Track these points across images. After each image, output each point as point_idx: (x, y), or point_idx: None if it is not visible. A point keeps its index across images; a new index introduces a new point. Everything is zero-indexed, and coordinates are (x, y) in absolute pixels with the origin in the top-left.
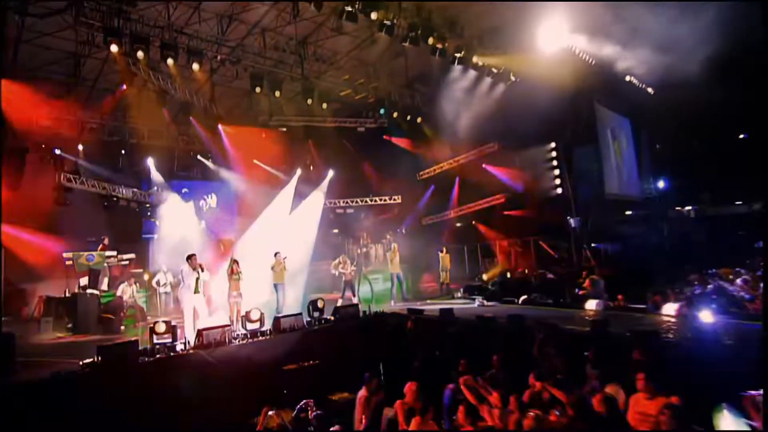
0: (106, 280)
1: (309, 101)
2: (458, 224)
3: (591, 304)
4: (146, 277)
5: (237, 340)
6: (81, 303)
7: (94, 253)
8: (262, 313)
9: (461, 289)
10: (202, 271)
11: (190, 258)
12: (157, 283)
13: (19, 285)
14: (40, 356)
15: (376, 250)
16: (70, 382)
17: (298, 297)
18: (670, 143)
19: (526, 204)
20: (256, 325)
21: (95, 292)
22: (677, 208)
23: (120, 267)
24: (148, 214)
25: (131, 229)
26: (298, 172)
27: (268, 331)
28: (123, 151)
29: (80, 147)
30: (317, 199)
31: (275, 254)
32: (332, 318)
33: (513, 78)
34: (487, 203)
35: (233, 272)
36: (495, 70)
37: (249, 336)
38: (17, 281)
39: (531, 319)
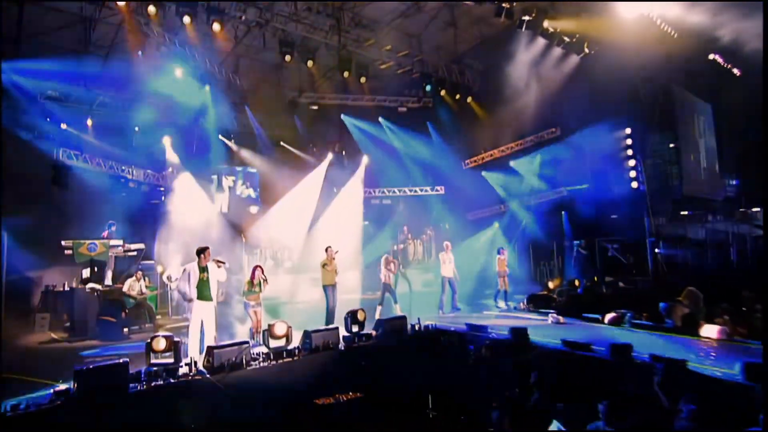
0: (110, 274)
1: (346, 74)
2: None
3: (710, 331)
4: (159, 269)
5: (257, 362)
6: (79, 300)
7: (97, 241)
8: (289, 327)
9: (524, 300)
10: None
11: (202, 252)
12: (169, 278)
13: (24, 272)
14: (21, 372)
15: (415, 247)
16: (34, 419)
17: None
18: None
19: (591, 200)
20: (281, 342)
21: (97, 286)
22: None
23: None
24: (162, 198)
25: (142, 216)
26: (329, 156)
27: (296, 350)
28: (137, 128)
29: (89, 122)
30: (356, 188)
31: (326, 249)
32: (374, 333)
33: (587, 50)
34: (546, 197)
35: (254, 278)
36: (567, 39)
37: (272, 356)
38: (23, 268)
39: (638, 349)
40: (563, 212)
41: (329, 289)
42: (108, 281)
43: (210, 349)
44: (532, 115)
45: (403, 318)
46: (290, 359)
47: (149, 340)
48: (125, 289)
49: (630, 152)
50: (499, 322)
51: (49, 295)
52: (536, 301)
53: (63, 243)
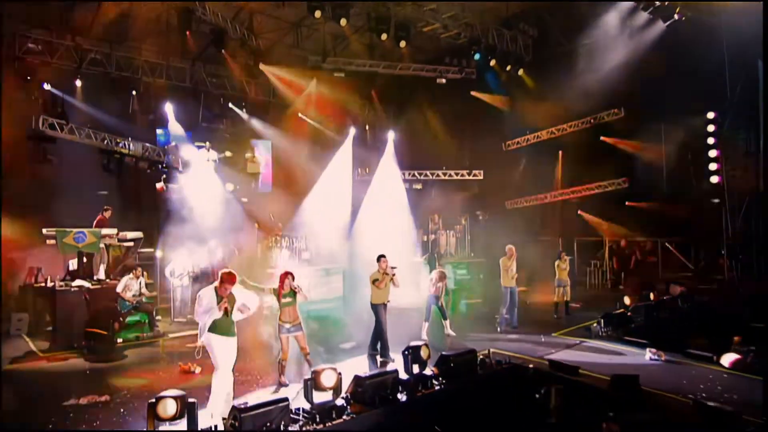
0: (102, 268)
1: (383, 36)
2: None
3: None
4: (158, 254)
5: (298, 426)
6: (63, 303)
7: (85, 230)
8: (339, 375)
9: (601, 322)
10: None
11: (225, 281)
12: (171, 273)
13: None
14: None
15: (447, 238)
16: None
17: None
18: None
19: (659, 194)
20: (326, 395)
21: (86, 284)
22: None
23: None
24: (164, 177)
25: (140, 198)
26: (352, 131)
27: (346, 405)
28: (134, 92)
29: (78, 83)
30: (391, 171)
31: (379, 259)
32: (434, 370)
33: (677, 16)
34: (602, 188)
35: (282, 288)
36: (658, 2)
37: (318, 417)
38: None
39: None
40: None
41: (380, 309)
42: (100, 275)
43: (237, 411)
44: (592, 93)
45: (473, 353)
46: (340, 420)
47: (153, 402)
48: (119, 289)
49: (711, 141)
50: (584, 357)
51: (28, 292)
52: (614, 322)
53: (45, 231)
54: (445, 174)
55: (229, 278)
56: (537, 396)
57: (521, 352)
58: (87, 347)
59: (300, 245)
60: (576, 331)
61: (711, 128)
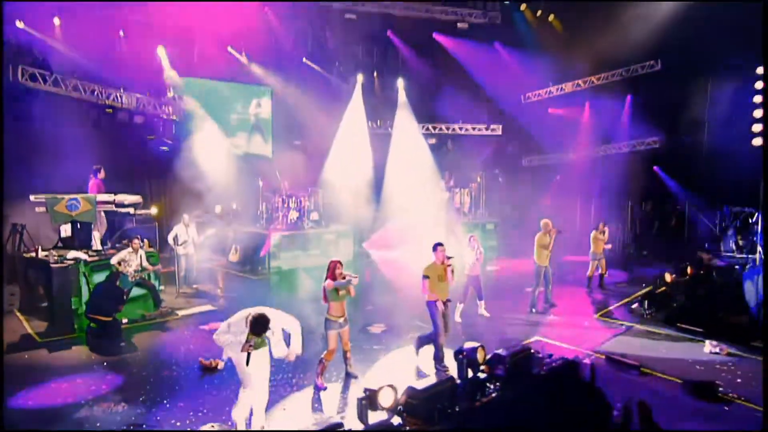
0: (97, 236)
1: None
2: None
3: None
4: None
5: None
6: (60, 280)
7: (79, 196)
8: (395, 392)
9: (641, 302)
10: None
11: (259, 328)
12: (175, 240)
13: None
14: None
15: (462, 197)
16: None
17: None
18: None
19: (695, 155)
20: (380, 414)
21: (81, 256)
22: None
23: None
24: (161, 131)
25: (136, 158)
26: (359, 79)
27: (402, 419)
28: (121, 32)
29: (56, 21)
30: (409, 125)
31: (436, 248)
32: (486, 372)
33: None
34: (631, 148)
35: (334, 278)
36: None
37: None
38: None
39: None
40: (654, 167)
41: (436, 308)
42: (96, 245)
43: None
44: (626, 42)
45: (527, 350)
46: None
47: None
48: (115, 261)
49: (759, 99)
50: (637, 349)
51: (19, 263)
52: (657, 303)
53: (32, 198)
54: (462, 128)
55: (263, 324)
56: (615, 413)
57: (569, 342)
58: (90, 333)
59: (309, 205)
60: (618, 311)
61: (759, 85)
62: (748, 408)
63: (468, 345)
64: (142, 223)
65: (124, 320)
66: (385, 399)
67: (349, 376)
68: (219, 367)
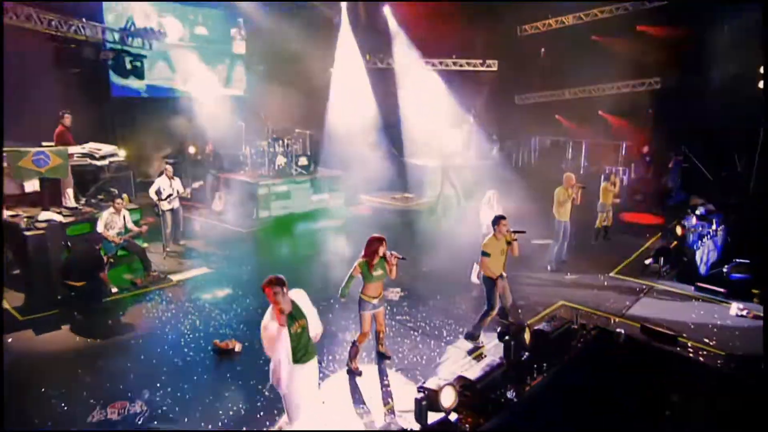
0: (70, 193)
1: None
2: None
3: None
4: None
5: None
6: (36, 248)
7: (46, 149)
8: (456, 391)
9: (660, 260)
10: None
11: (276, 284)
12: (158, 193)
13: None
14: None
15: (452, 141)
16: None
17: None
18: None
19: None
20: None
21: (56, 217)
22: None
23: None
24: (135, 69)
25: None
26: (343, 5)
27: (458, 414)
28: None
29: None
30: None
31: (497, 221)
32: (528, 341)
33: None
34: (631, 88)
35: (375, 256)
36: None
37: None
38: None
39: None
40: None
41: (494, 285)
42: (69, 202)
43: None
44: None
45: (567, 322)
46: None
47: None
48: (100, 229)
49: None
50: (663, 312)
51: None
52: (671, 259)
53: None
54: (455, 63)
55: (278, 283)
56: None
57: (593, 305)
58: (66, 310)
59: (297, 148)
60: (634, 267)
61: None
62: None
63: (512, 322)
64: (116, 173)
65: (114, 289)
66: (447, 399)
67: (381, 356)
68: (237, 349)
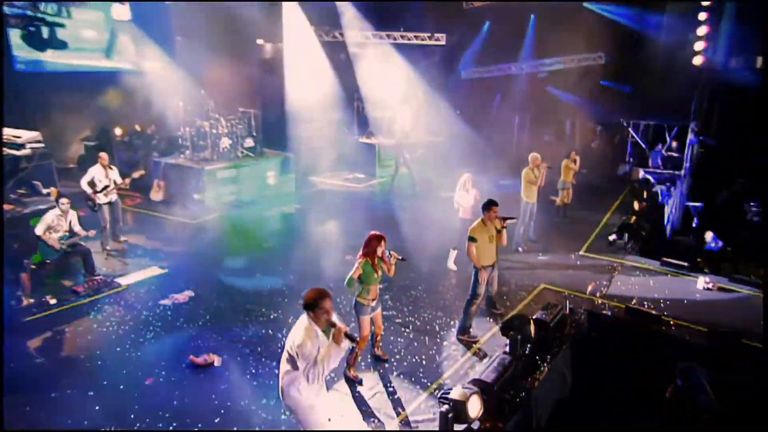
0: None
1: None
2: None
3: None
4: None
5: None
6: None
7: None
8: (482, 399)
9: (624, 236)
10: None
11: (316, 306)
12: (92, 184)
13: None
14: None
15: (402, 118)
16: None
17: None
18: None
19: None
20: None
21: None
22: None
23: None
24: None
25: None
26: None
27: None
28: None
29: None
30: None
31: (487, 206)
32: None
33: None
34: (576, 63)
35: (375, 257)
36: None
37: None
38: None
39: None
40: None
41: (481, 274)
42: None
43: None
44: None
45: (559, 308)
46: None
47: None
48: (40, 232)
49: (703, 16)
50: (638, 289)
51: None
52: (634, 234)
53: None
54: (403, 37)
55: (322, 300)
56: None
57: (574, 287)
58: None
59: (241, 129)
60: (599, 245)
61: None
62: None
63: (516, 315)
64: (38, 162)
65: (52, 300)
66: (474, 408)
67: (378, 359)
68: (216, 363)
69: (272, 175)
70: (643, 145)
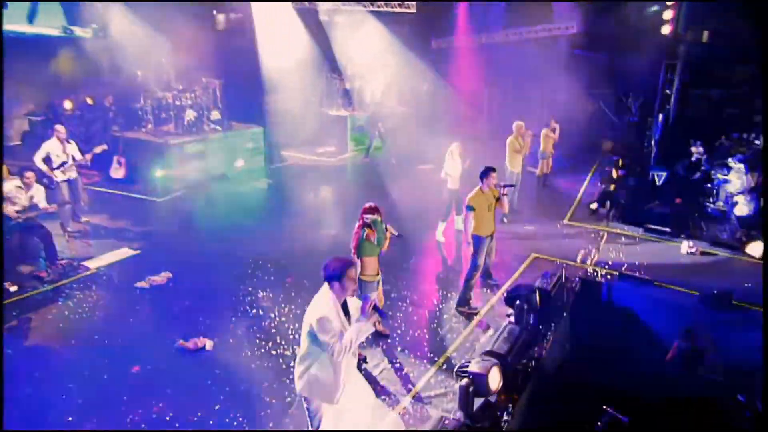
0: None
1: None
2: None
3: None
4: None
5: None
6: None
7: None
8: (501, 370)
9: (606, 204)
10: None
11: (343, 273)
12: (47, 160)
13: None
14: None
15: (372, 90)
16: None
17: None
18: None
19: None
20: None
21: None
22: None
23: None
24: None
25: None
26: None
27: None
28: None
29: None
30: None
31: (486, 173)
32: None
33: None
34: (548, 32)
35: (371, 228)
36: None
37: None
38: None
39: None
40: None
41: (482, 244)
42: None
43: None
44: None
45: (559, 276)
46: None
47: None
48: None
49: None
50: (626, 255)
51: None
52: (614, 202)
53: None
54: (373, 4)
55: (348, 267)
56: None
57: (563, 255)
58: None
59: (206, 100)
60: (581, 214)
61: None
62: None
63: (521, 284)
64: None
65: (12, 287)
66: (494, 381)
67: (379, 335)
68: (208, 347)
69: (241, 149)
70: (613, 118)
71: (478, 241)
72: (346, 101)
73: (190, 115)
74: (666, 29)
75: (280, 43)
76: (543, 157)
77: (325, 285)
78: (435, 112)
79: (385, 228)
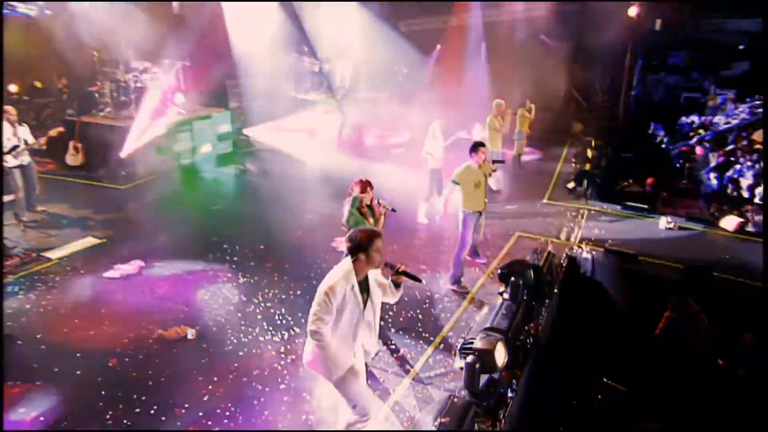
0: None
1: None
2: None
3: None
4: None
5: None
6: None
7: None
8: (506, 345)
9: (583, 182)
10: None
11: (368, 245)
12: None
13: None
14: None
15: (342, 72)
16: None
17: None
18: None
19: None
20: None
21: None
22: None
23: None
24: None
25: None
26: None
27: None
28: None
29: None
30: None
31: (474, 149)
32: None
33: None
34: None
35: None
36: None
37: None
38: None
39: None
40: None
41: (470, 219)
42: None
43: None
44: None
45: (549, 254)
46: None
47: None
48: None
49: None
50: (607, 232)
51: None
52: (591, 180)
53: None
54: None
55: (373, 239)
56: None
57: (547, 233)
58: None
59: (169, 79)
60: (559, 193)
61: None
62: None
63: (515, 262)
64: None
65: None
66: (500, 356)
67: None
68: (189, 336)
69: (209, 134)
70: (582, 102)
71: (466, 217)
72: (315, 85)
73: (153, 95)
74: (633, 11)
75: (250, 23)
76: (519, 138)
77: (346, 258)
78: (412, 95)
79: (378, 202)
